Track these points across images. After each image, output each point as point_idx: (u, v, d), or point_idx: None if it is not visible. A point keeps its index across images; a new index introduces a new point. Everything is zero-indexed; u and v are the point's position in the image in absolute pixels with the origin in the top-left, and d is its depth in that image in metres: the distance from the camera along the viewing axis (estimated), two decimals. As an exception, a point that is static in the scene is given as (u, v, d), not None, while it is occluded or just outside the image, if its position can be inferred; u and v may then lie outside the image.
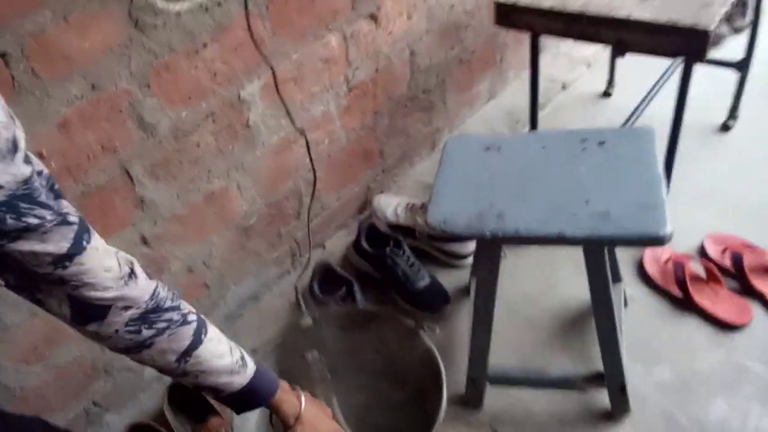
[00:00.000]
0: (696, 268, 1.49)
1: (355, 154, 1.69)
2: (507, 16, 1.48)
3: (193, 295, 1.46)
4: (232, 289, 1.55)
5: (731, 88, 1.86)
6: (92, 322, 0.72)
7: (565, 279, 1.57)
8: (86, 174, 1.15)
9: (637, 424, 1.26)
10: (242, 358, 0.87)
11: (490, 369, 1.29)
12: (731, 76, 1.84)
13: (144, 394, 1.46)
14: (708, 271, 1.47)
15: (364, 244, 1.60)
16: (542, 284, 1.57)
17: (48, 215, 0.64)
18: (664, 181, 1.05)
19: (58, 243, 0.66)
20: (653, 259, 1.54)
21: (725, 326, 1.39)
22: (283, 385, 0.93)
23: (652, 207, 1.01)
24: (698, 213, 1.64)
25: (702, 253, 1.55)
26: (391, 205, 1.72)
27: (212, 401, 1.37)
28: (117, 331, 0.73)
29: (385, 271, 1.56)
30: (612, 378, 1.21)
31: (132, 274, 0.75)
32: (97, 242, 0.71)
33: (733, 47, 1.98)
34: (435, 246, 1.65)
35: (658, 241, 0.98)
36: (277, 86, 1.32)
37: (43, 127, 1.05)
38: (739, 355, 1.34)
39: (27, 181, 0.61)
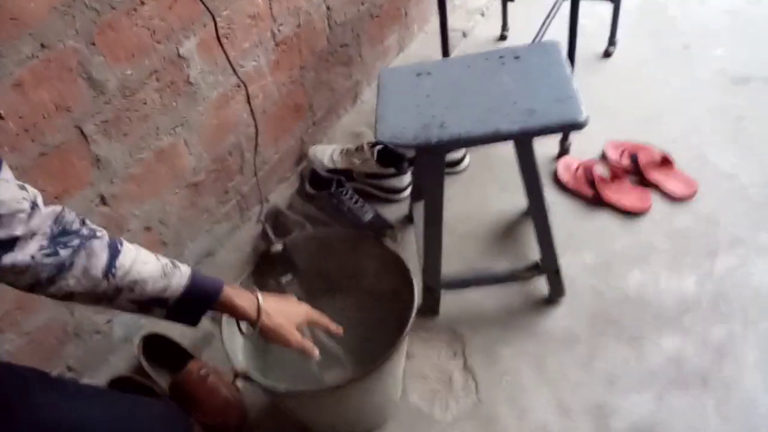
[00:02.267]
0: (601, 170, 1.72)
1: (287, 108, 1.78)
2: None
3: (153, 253, 1.50)
4: (188, 247, 1.61)
5: (607, 21, 2.12)
6: (5, 254, 0.70)
7: (492, 197, 1.75)
8: (43, 134, 1.18)
9: (571, 302, 1.46)
10: (172, 262, 0.85)
11: (442, 277, 1.44)
12: (606, 10, 2.09)
13: (114, 356, 1.49)
14: (611, 171, 1.70)
15: (309, 189, 1.70)
16: (473, 204, 1.74)
17: None
18: (574, 80, 1.24)
19: None
20: (565, 168, 1.75)
21: (631, 214, 1.62)
22: (231, 284, 0.92)
23: (568, 100, 1.19)
24: (595, 126, 1.85)
25: (604, 158, 1.78)
26: (326, 153, 1.83)
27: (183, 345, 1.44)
28: (33, 257, 0.72)
29: (331, 211, 1.67)
30: (548, 263, 1.40)
31: (35, 205, 0.74)
32: (7, 174, 0.71)
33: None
34: (373, 184, 1.78)
35: (577, 125, 1.16)
36: (219, 38, 1.39)
37: (-2, 87, 1.08)
38: (645, 235, 1.58)
39: None
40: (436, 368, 1.38)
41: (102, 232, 0.80)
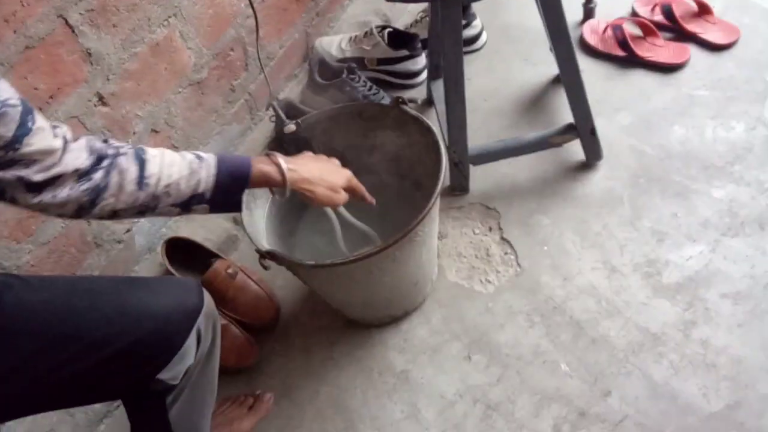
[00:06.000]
0: (632, 29, 1.58)
1: (286, -3, 1.66)
2: None
3: (163, 158, 1.43)
4: (200, 150, 1.53)
5: None
6: (46, 191, 0.73)
7: (515, 71, 1.63)
8: (24, 24, 1.08)
9: (611, 164, 1.36)
10: (197, 155, 0.85)
11: (469, 152, 1.35)
12: None
13: (139, 266, 1.45)
14: (643, 27, 1.56)
15: (319, 79, 1.60)
16: (495, 80, 1.63)
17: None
18: None
19: (5, 126, 0.67)
20: (591, 31, 1.62)
21: (669, 68, 1.50)
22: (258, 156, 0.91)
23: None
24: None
25: (634, 15, 1.64)
26: (334, 43, 1.72)
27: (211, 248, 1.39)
28: (72, 188, 0.74)
29: (344, 100, 1.57)
30: (581, 121, 1.30)
31: (66, 142, 0.74)
32: (41, 122, 0.72)
33: None
34: (386, 70, 1.67)
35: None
36: None
37: (-33, -31, 0.98)
38: (686, 88, 1.46)
39: None
40: (472, 245, 1.31)
41: (127, 147, 0.80)
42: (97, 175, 0.75)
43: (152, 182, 0.79)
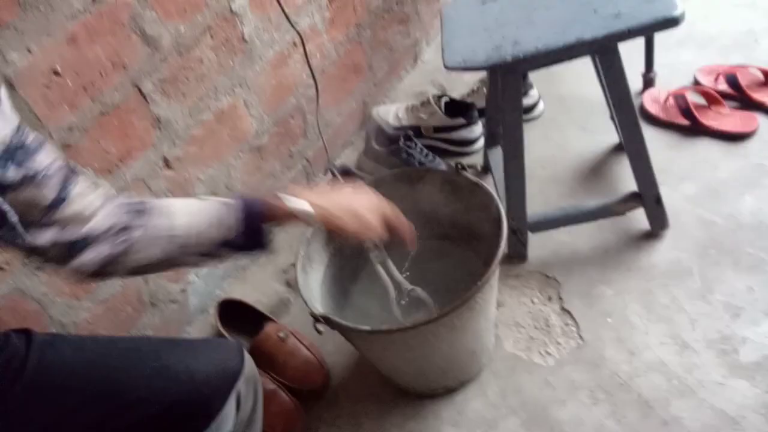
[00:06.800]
0: (695, 98, 1.55)
1: (346, 68, 1.72)
2: None
3: (222, 221, 1.46)
4: (257, 213, 1.55)
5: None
6: (79, 254, 0.71)
7: (572, 139, 1.61)
8: (102, 92, 1.15)
9: (677, 234, 1.31)
10: (219, 201, 0.81)
11: (528, 219, 1.32)
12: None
13: (191, 327, 1.46)
14: (707, 96, 1.53)
15: (376, 146, 1.62)
16: (553, 148, 1.61)
17: (45, 161, 0.66)
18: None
19: (52, 189, 0.67)
20: (652, 100, 1.59)
21: (736, 138, 1.45)
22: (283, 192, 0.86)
23: (657, -2, 1.06)
24: (682, 54, 1.70)
25: (696, 85, 1.61)
26: (390, 111, 1.75)
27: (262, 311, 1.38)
28: (103, 245, 0.72)
29: (401, 167, 1.58)
30: (646, 189, 1.26)
31: (102, 203, 0.74)
32: (82, 184, 0.72)
33: None
34: (443, 138, 1.68)
35: (672, 22, 1.02)
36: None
37: (53, 43, 1.05)
38: (754, 158, 1.40)
39: (18, 130, 0.64)
40: (530, 315, 1.26)
41: (150, 202, 0.78)
42: (129, 233, 0.73)
43: (179, 233, 0.76)
